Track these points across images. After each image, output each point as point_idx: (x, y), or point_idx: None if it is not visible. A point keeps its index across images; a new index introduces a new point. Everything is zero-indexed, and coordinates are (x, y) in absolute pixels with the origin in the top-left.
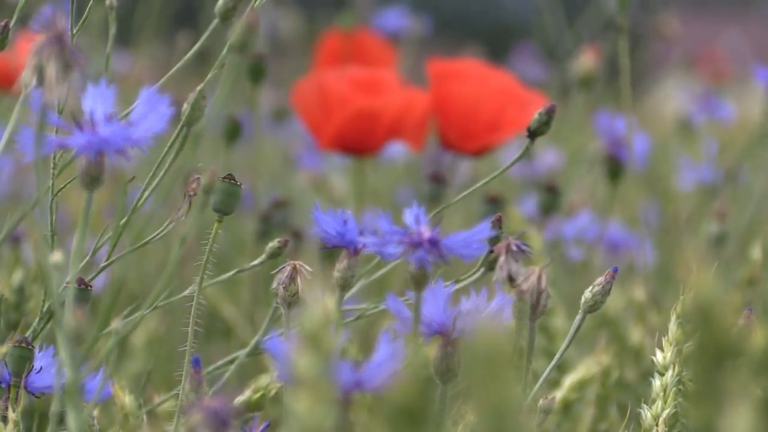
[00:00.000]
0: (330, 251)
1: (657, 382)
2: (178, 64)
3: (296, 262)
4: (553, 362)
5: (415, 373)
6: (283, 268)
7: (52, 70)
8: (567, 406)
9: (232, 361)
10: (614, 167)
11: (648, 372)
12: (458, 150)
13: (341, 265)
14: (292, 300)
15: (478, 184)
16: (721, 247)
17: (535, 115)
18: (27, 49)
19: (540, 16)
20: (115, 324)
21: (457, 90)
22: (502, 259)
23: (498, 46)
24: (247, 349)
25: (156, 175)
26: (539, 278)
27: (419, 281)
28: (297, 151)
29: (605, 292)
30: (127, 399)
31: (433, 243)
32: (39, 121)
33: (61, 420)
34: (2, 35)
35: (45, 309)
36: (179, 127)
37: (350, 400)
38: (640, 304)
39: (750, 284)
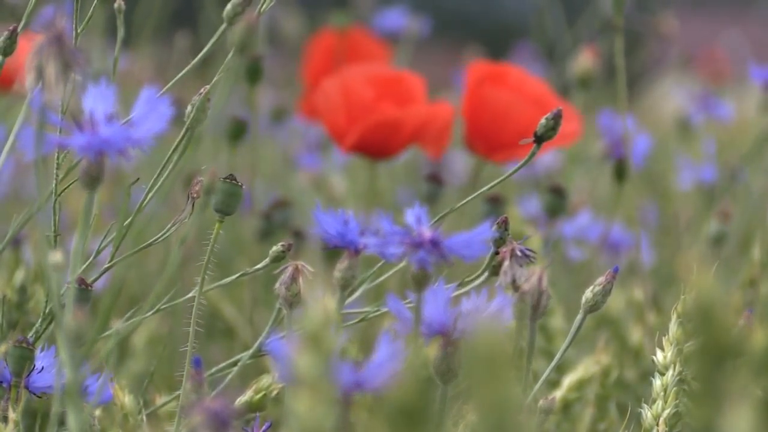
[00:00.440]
0: (332, 251)
1: (657, 382)
2: (184, 70)
3: (298, 263)
4: (554, 362)
5: (415, 374)
6: (285, 268)
7: (52, 70)
8: (566, 406)
9: (234, 363)
10: (620, 168)
11: (647, 372)
12: (484, 157)
13: (342, 265)
14: (294, 300)
15: (484, 189)
16: (720, 247)
17: (542, 120)
18: (27, 50)
19: (539, 17)
20: (116, 325)
21: (492, 95)
22: (506, 264)
23: (498, 46)
24: (249, 352)
25: (160, 177)
26: (540, 279)
27: (420, 282)
28: (297, 151)
29: (606, 292)
30: (127, 399)
31: (435, 243)
32: (39, 120)
33: (62, 420)
34: (10, 40)
35: (47, 310)
36: (184, 129)
37: (350, 400)
38: (639, 304)
39: (750, 284)
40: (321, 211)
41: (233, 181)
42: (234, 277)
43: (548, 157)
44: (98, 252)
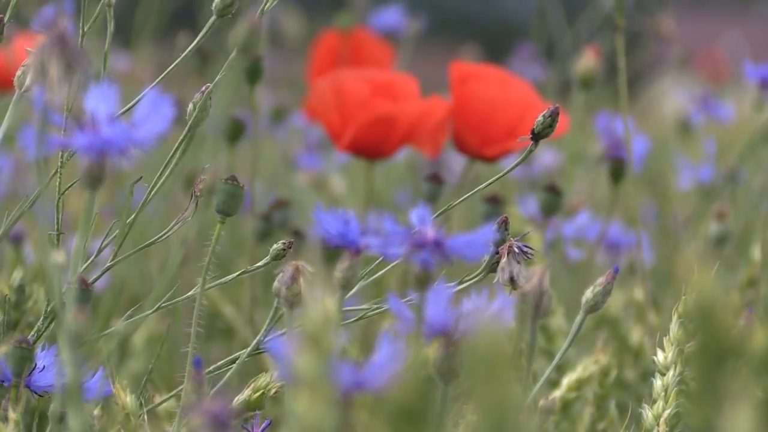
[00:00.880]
0: (332, 251)
1: (658, 382)
2: (177, 61)
3: (299, 262)
4: (554, 362)
5: (415, 374)
6: (285, 268)
7: (54, 70)
8: (566, 406)
9: (233, 361)
10: (617, 168)
11: (647, 372)
12: (474, 154)
13: (343, 265)
14: (295, 300)
15: (481, 186)
16: (720, 247)
17: (539, 117)
18: (24, 49)
19: (539, 16)
20: (117, 325)
21: (478, 92)
22: (504, 261)
23: (498, 45)
24: (248, 350)
25: (162, 176)
26: (541, 280)
27: (423, 282)
28: (296, 151)
29: (606, 292)
30: (128, 399)
31: (438, 244)
32: (41, 121)
33: (62, 419)
34: None
35: (48, 309)
36: (186, 129)
37: (350, 400)
38: (639, 303)
39: (750, 284)
40: (322, 211)
41: (234, 182)
42: (234, 275)
43: (548, 157)
44: (100, 251)
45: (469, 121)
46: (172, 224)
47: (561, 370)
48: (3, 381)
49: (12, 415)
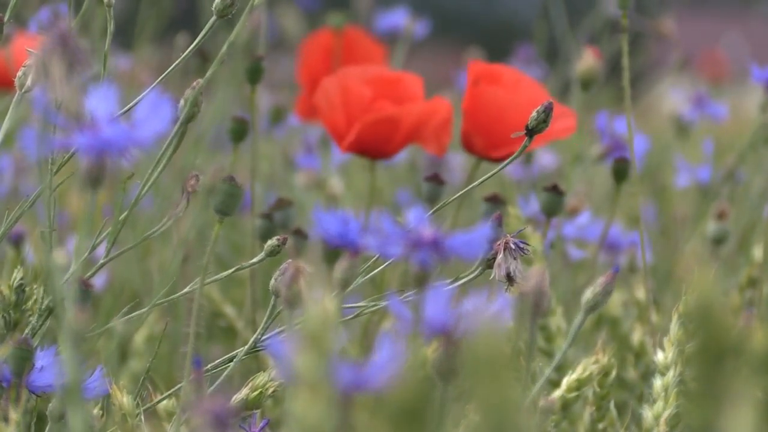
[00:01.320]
0: (333, 251)
1: (658, 382)
2: (177, 61)
3: (299, 262)
4: (554, 363)
5: (415, 374)
6: (285, 267)
7: (56, 70)
8: (566, 406)
9: (231, 360)
10: (620, 168)
11: (647, 371)
12: (481, 155)
13: (342, 265)
14: (294, 300)
15: (476, 183)
16: (720, 246)
17: (533, 113)
18: (24, 49)
19: (539, 17)
20: (117, 324)
21: (489, 93)
22: (500, 257)
23: (499, 46)
24: (245, 347)
25: (154, 172)
26: (541, 280)
27: (421, 282)
28: (295, 151)
29: (606, 292)
30: (125, 399)
31: (436, 244)
32: (41, 121)
33: (61, 419)
34: None
35: (44, 306)
36: (178, 124)
37: (351, 400)
38: (640, 303)
39: (750, 284)
40: (321, 211)
41: (232, 182)
42: (231, 270)
43: (547, 158)
44: (93, 247)
45: (479, 123)
46: (164, 220)
47: (561, 369)
48: (2, 381)
49: (13, 415)
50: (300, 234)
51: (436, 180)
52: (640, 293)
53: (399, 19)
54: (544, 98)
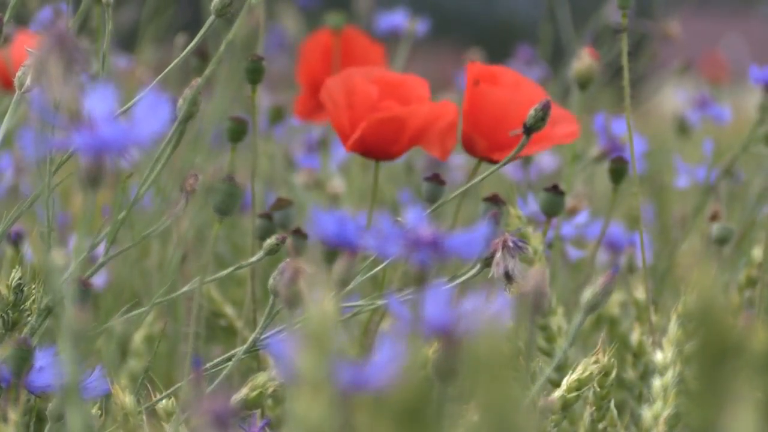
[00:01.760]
0: (332, 251)
1: (657, 382)
2: (176, 61)
3: (298, 262)
4: (554, 363)
5: (416, 374)
6: (284, 267)
7: (54, 69)
8: (566, 406)
9: (230, 359)
10: (618, 168)
11: (647, 371)
12: (482, 157)
13: (340, 265)
14: (293, 299)
15: (474, 180)
16: (719, 246)
17: (531, 111)
18: (24, 48)
19: (544, 19)
20: (116, 323)
21: (490, 94)
22: (498, 255)
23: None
24: (245, 346)
25: (153, 171)
26: (541, 280)
27: (420, 281)
28: (295, 151)
29: (606, 292)
30: (126, 399)
31: (435, 243)
32: (40, 121)
33: (60, 418)
34: None
35: (43, 306)
36: (176, 123)
37: (351, 400)
38: (639, 303)
39: (750, 284)
40: (319, 211)
41: (231, 182)
42: (230, 269)
43: (547, 159)
44: (93, 247)
45: (479, 124)
46: (163, 218)
47: (561, 369)
48: (1, 381)
49: (12, 415)
50: (299, 234)
51: (436, 180)
52: (640, 293)
53: (399, 19)
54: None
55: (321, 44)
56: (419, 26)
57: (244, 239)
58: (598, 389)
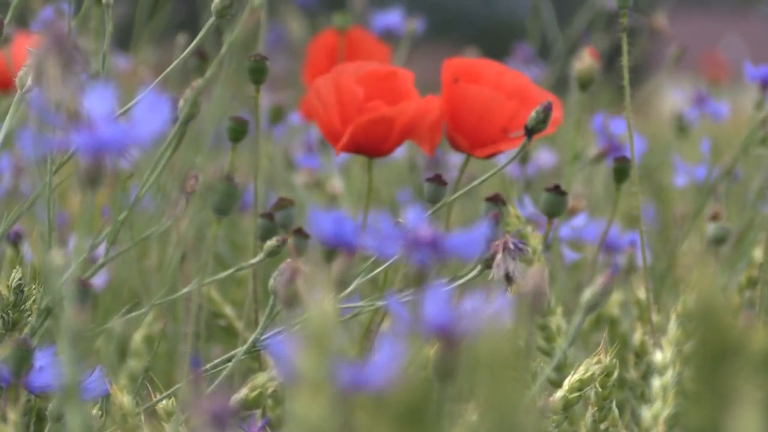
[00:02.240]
0: (332, 251)
1: (657, 382)
2: (176, 62)
3: (297, 262)
4: (554, 363)
5: (416, 374)
6: (283, 267)
7: (53, 70)
8: (567, 406)
9: (229, 359)
10: (621, 168)
11: (647, 371)
12: (469, 153)
13: (338, 265)
14: (293, 300)
15: (474, 183)
16: (719, 246)
17: (532, 113)
18: (24, 49)
19: (534, 16)
20: (116, 324)
21: (468, 92)
22: (499, 257)
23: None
24: (245, 347)
25: (154, 172)
26: (540, 280)
27: (420, 282)
28: (295, 151)
29: (605, 292)
30: (125, 399)
31: (434, 244)
32: (38, 121)
33: (60, 419)
34: None
35: (43, 306)
36: (177, 124)
37: (351, 401)
38: (640, 303)
39: (750, 284)
40: (318, 211)
41: (230, 182)
42: (230, 271)
43: (546, 156)
44: (93, 247)
45: (460, 123)
46: (163, 219)
47: (561, 369)
48: (1, 381)
49: (11, 415)
50: (300, 234)
51: (438, 181)
52: (641, 293)
53: (394, 19)
54: (530, 89)
55: (327, 44)
56: (417, 26)
57: (244, 239)
58: (600, 389)
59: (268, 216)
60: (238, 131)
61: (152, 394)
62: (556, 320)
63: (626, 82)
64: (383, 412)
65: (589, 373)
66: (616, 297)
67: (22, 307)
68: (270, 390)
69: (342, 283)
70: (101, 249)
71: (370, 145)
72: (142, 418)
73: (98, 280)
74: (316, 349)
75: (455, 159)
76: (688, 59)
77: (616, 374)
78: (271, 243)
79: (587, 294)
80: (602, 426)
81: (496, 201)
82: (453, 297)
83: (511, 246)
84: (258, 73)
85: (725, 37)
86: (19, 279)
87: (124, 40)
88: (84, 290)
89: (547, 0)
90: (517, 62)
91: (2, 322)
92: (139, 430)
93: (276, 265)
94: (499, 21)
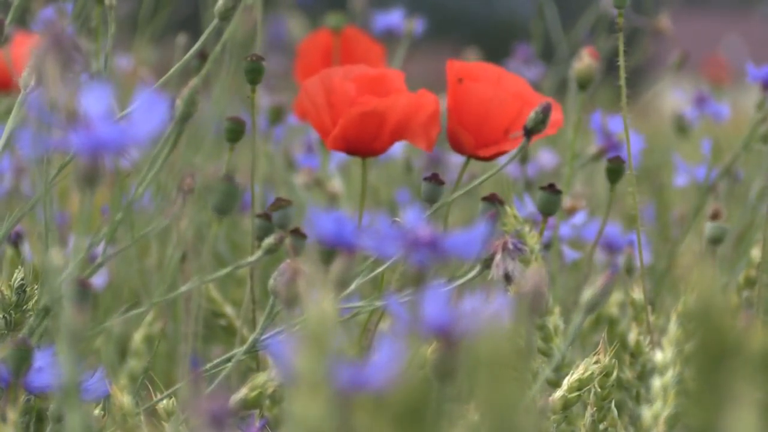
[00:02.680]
0: (331, 251)
1: (657, 382)
2: (179, 64)
3: (297, 262)
4: (553, 362)
5: (415, 374)
6: (283, 268)
7: (51, 69)
8: (566, 406)
9: (229, 359)
10: (615, 167)
11: (645, 372)
12: (471, 154)
13: (338, 265)
14: (293, 300)
15: (474, 183)
16: (717, 246)
17: (531, 114)
18: (24, 49)
19: (535, 16)
20: (115, 323)
21: (473, 91)
22: (498, 257)
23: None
24: (245, 347)
25: (151, 171)
26: (539, 280)
27: (419, 282)
28: (295, 151)
29: (605, 292)
30: (125, 399)
31: (433, 244)
32: (37, 121)
33: (60, 419)
34: None
35: (42, 306)
36: (174, 123)
37: (351, 400)
38: (636, 303)
39: (748, 285)
40: (317, 211)
41: (230, 181)
42: (229, 268)
43: (546, 157)
44: (91, 246)
45: (464, 122)
46: (161, 218)
47: (560, 369)
48: (0, 381)
49: (11, 415)
50: (299, 234)
51: (435, 180)
52: (637, 293)
53: (395, 19)
54: (529, 93)
55: (320, 44)
56: (417, 26)
57: (244, 239)
58: (599, 390)
59: (265, 216)
60: (235, 131)
61: (152, 394)
62: (554, 320)
63: (622, 80)
64: (382, 412)
65: (588, 373)
66: (615, 297)
67: (24, 307)
68: (269, 390)
69: (342, 284)
70: (101, 248)
71: (362, 141)
72: (142, 418)
73: (98, 280)
74: (315, 349)
75: (456, 159)
76: (689, 60)
77: (615, 374)
78: (268, 241)
79: (587, 294)
80: (601, 426)
81: (493, 201)
82: (452, 297)
83: (511, 246)
84: (254, 74)
85: (725, 38)
86: (22, 279)
87: (124, 40)
88: (83, 290)
89: (550, 2)
90: (517, 62)
91: (4, 323)
92: (139, 430)
93: (274, 265)
94: (499, 21)
